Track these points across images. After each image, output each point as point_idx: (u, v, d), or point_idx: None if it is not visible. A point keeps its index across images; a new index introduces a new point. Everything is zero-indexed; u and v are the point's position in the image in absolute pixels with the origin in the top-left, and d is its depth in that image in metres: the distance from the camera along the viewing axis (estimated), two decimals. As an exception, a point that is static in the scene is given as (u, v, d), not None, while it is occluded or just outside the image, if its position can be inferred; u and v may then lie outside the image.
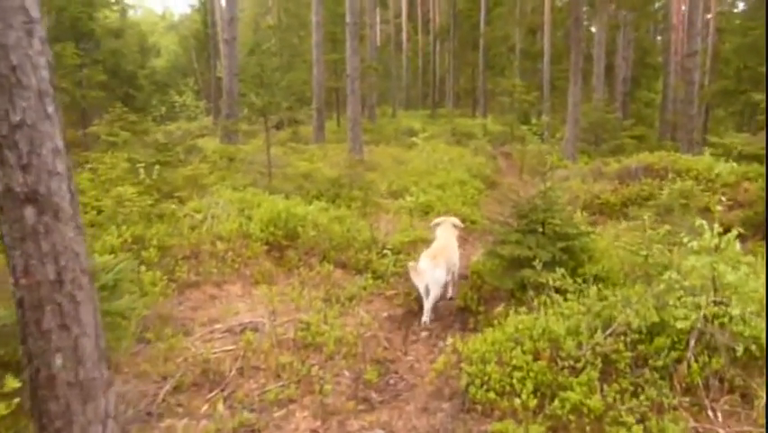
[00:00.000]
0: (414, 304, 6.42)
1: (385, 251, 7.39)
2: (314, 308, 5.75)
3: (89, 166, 8.70)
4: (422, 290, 6.01)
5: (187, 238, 6.76)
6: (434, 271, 5.94)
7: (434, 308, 6.16)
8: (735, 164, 10.61)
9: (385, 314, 6.13)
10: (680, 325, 4.14)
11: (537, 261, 5.40)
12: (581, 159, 14.84)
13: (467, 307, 6.13)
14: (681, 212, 7.04)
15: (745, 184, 10.01)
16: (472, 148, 18.44)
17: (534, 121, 18.48)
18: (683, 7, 24.01)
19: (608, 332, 4.33)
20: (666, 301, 4.35)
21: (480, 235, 9.80)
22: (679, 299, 4.38)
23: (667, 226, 5.01)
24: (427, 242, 8.53)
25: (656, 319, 4.14)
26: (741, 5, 36.63)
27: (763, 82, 19.17)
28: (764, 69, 18.53)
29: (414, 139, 16.88)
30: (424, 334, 5.89)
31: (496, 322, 5.03)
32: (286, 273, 6.89)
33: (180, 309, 5.82)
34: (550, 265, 5.44)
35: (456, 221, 7.18)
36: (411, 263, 6.21)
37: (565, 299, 4.80)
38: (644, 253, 4.79)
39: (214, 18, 28.65)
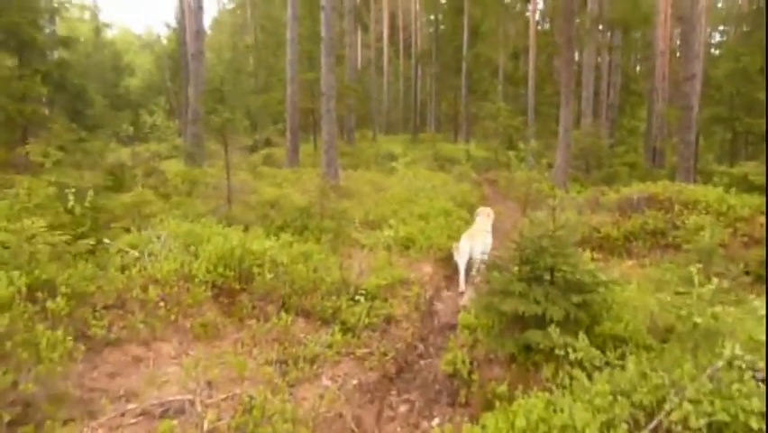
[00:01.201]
0: (390, 366, 5.22)
1: (357, 296, 6.19)
2: (263, 377, 4.51)
3: (14, 191, 7.40)
4: (462, 267, 7.76)
5: (114, 282, 5.49)
6: (473, 247, 7.87)
7: (417, 370, 5.00)
8: (745, 196, 9.66)
9: (354, 381, 4.90)
10: (755, 424, 3.01)
11: (548, 320, 4.28)
12: (573, 187, 13.87)
13: (456, 373, 4.93)
14: (708, 254, 5.95)
15: (761, 218, 9.03)
16: (456, 174, 17.41)
17: (521, 146, 17.54)
18: (674, 31, 23.58)
19: (651, 426, 3.19)
20: (729, 387, 3.22)
21: (467, 274, 8.65)
22: (744, 381, 3.26)
23: (715, 280, 3.90)
24: (408, 283, 7.39)
25: (726, 419, 2.99)
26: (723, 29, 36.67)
27: (757, 109, 18.58)
28: (758, 95, 17.93)
29: (394, 164, 15.79)
30: (402, 409, 4.68)
31: (497, 403, 3.86)
32: (235, 325, 5.63)
33: (93, 378, 4.53)
34: (563, 325, 4.30)
35: (491, 212, 8.90)
36: (454, 244, 8.13)
37: (589, 377, 3.64)
38: (694, 317, 3.65)
39: (185, 36, 27.44)
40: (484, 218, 8.63)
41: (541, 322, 4.41)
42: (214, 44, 54.41)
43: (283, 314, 5.73)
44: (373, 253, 8.08)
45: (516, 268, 4.92)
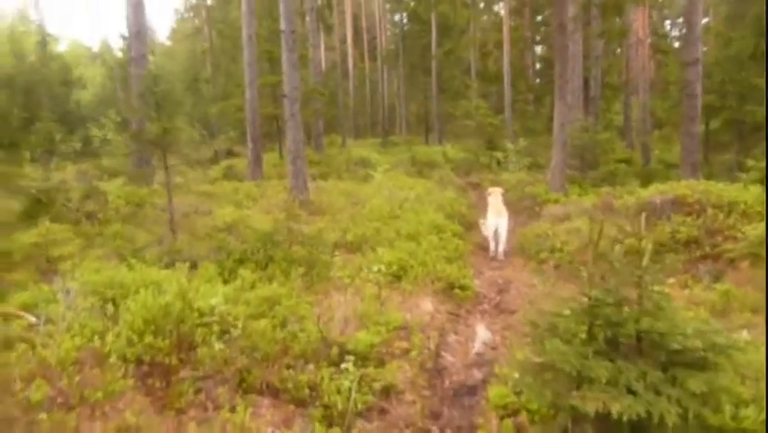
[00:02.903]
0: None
1: (344, 364, 4.49)
2: None
3: None
4: (491, 236, 9.45)
5: (-18, 375, 3.71)
6: (503, 220, 9.37)
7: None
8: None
9: None
10: None
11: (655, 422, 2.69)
12: (572, 190, 12.40)
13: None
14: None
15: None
16: (437, 179, 15.85)
17: (509, 146, 16.04)
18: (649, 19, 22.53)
19: None
20: None
21: (475, 307, 7.03)
22: None
23: None
24: (406, 329, 5.73)
25: None
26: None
27: (752, 97, 17.48)
28: (754, 82, 16.82)
29: (372, 172, 14.13)
30: None
31: None
32: (170, 424, 3.89)
33: None
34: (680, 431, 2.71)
35: (502, 190, 10.05)
36: (481, 220, 9.87)
37: None
38: None
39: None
40: (498, 197, 9.69)
41: (641, 426, 2.80)
42: (173, 53, 52.10)
43: (239, 399, 4.03)
44: (358, 291, 6.38)
45: (583, 331, 3.31)
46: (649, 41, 24.38)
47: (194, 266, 6.39)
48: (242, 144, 25.00)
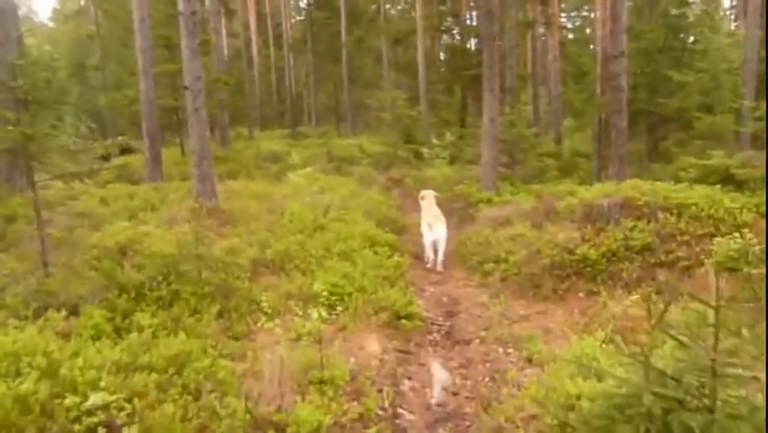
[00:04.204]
0: None
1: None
2: None
3: None
4: (429, 246, 8.72)
5: None
6: (440, 226, 8.68)
7: None
8: (734, 194, 7.91)
9: None
10: None
11: None
12: (504, 188, 11.74)
13: None
14: None
15: (762, 223, 7.28)
16: (358, 177, 14.78)
17: (435, 141, 15.18)
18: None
19: None
20: None
21: (425, 339, 6.06)
22: None
23: None
24: (354, 381, 4.65)
25: None
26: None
27: (660, 88, 17.72)
28: (663, 74, 17.00)
29: (290, 176, 12.80)
30: None
31: None
32: None
33: None
34: None
35: (434, 193, 9.61)
36: (424, 224, 8.79)
37: None
38: None
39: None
40: (431, 201, 9.23)
41: None
42: (55, 36, 47.37)
43: None
44: (288, 327, 5.21)
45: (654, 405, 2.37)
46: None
47: (74, 312, 4.95)
48: (140, 139, 22.74)
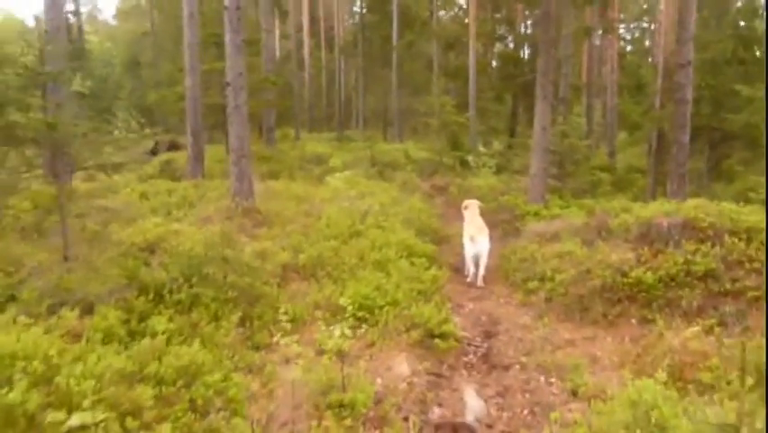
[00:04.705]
0: None
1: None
2: None
3: None
4: (470, 259, 8.18)
5: None
6: (483, 239, 8.13)
7: None
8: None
9: None
10: None
11: None
12: (553, 201, 11.12)
13: None
14: None
15: None
16: (400, 183, 14.37)
17: (481, 148, 14.65)
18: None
19: None
20: None
21: (459, 361, 5.59)
22: None
23: None
24: (378, 407, 4.23)
25: None
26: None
27: (726, 102, 16.71)
28: (730, 87, 15.99)
29: (328, 179, 12.50)
30: None
31: None
32: None
33: None
34: None
35: (479, 204, 9.09)
36: (467, 236, 8.19)
37: None
38: None
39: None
40: (475, 211, 8.75)
41: None
42: (117, 34, 48.75)
43: None
44: (311, 339, 4.83)
45: None
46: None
47: (88, 311, 4.70)
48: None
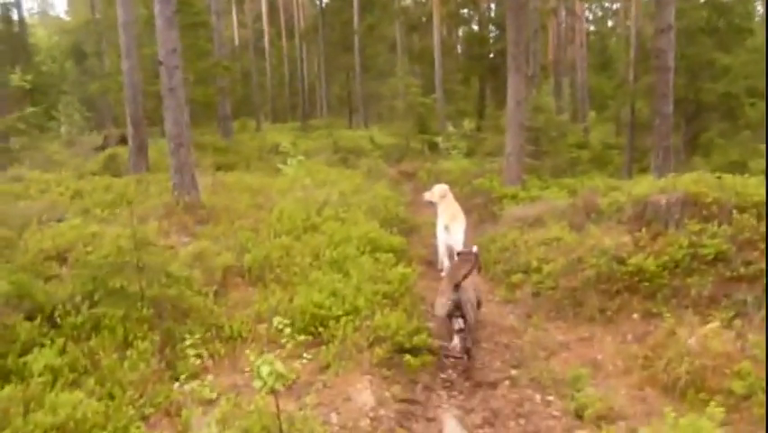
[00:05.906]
0: None
1: None
2: None
3: None
4: (443, 252, 7.13)
5: None
6: (458, 227, 7.08)
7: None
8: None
9: None
10: None
11: None
12: (531, 182, 10.19)
13: None
14: None
15: None
16: (365, 170, 13.31)
17: (450, 129, 13.67)
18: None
19: None
20: None
21: (436, 379, 4.60)
22: None
23: None
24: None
25: None
26: None
27: (702, 72, 16.03)
28: (708, 57, 15.31)
29: (281, 166, 11.36)
30: None
31: None
32: None
33: None
34: None
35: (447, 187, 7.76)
36: (441, 226, 7.14)
37: None
38: None
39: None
40: (449, 196, 7.59)
41: None
42: (67, 27, 46.28)
43: None
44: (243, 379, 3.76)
45: None
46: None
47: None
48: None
